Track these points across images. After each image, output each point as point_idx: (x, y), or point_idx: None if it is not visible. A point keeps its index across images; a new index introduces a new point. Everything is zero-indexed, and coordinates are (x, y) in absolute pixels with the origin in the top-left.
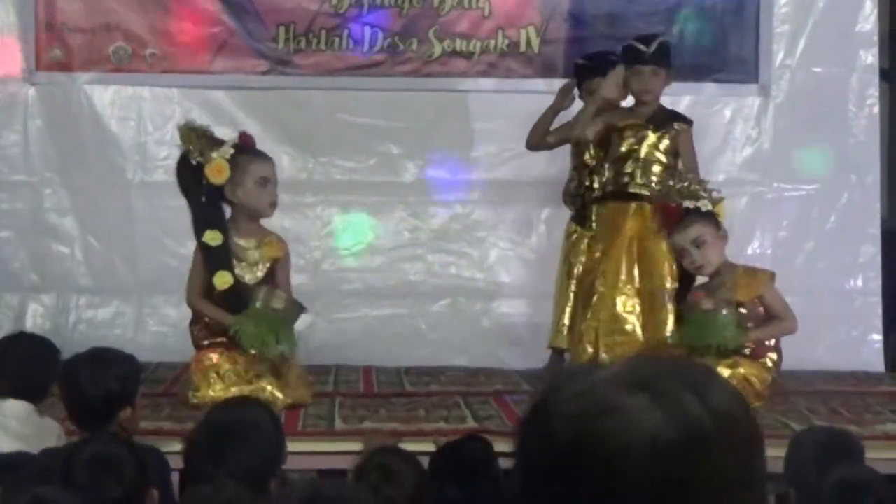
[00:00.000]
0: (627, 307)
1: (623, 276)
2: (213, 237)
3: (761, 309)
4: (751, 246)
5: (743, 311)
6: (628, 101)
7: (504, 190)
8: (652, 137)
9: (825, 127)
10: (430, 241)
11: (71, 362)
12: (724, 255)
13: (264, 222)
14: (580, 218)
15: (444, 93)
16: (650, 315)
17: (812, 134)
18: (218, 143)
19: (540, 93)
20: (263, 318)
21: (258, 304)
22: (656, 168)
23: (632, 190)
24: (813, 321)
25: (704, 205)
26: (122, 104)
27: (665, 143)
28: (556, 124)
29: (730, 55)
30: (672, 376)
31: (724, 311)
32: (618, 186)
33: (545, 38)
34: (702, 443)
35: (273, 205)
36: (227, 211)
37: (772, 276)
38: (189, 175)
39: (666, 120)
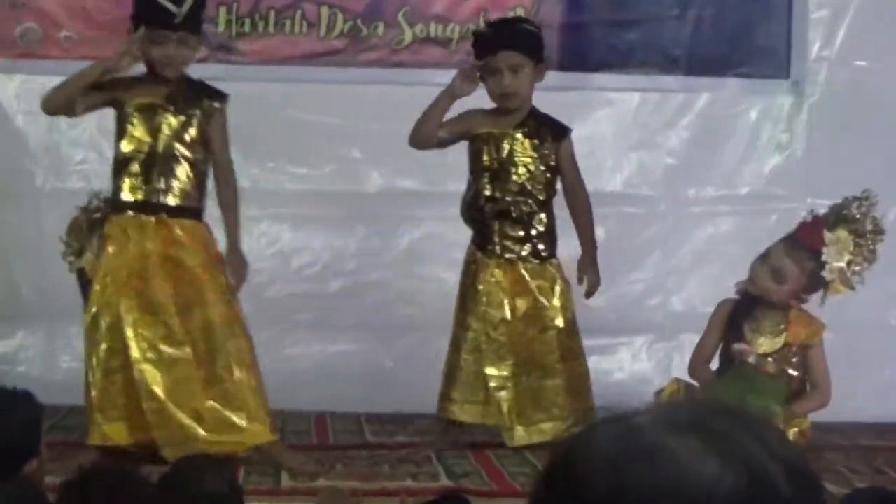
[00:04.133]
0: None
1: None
2: None
3: (795, 359)
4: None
5: (789, 355)
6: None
7: None
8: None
9: (869, 131)
10: (399, 263)
11: None
12: (783, 303)
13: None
14: (481, 240)
15: (416, 87)
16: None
17: (853, 139)
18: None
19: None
20: None
21: None
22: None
23: None
24: (852, 362)
25: (832, 273)
26: (31, 97)
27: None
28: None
29: (756, 45)
30: (724, 418)
31: (782, 380)
32: None
33: (536, 22)
34: (770, 492)
35: None
36: None
37: (823, 327)
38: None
39: None
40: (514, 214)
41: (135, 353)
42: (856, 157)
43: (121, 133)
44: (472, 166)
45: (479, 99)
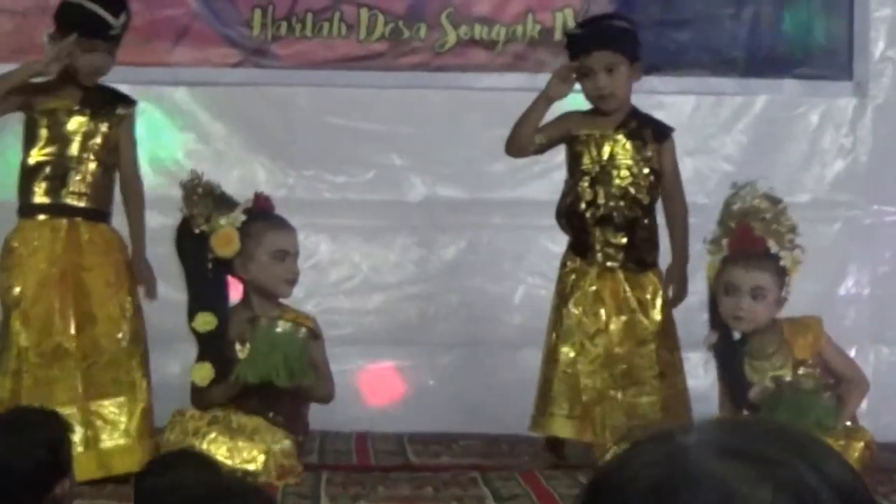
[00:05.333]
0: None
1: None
2: (204, 322)
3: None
4: (843, 284)
5: (808, 370)
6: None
7: (533, 212)
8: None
9: None
10: (441, 275)
11: None
12: (771, 319)
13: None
14: (580, 246)
15: (460, 91)
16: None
17: None
18: (228, 205)
19: (578, 91)
20: (269, 340)
21: (262, 327)
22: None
23: None
24: None
25: (786, 258)
26: None
27: None
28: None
29: (816, 45)
30: (775, 441)
31: (827, 395)
32: None
33: None
34: None
35: (290, 282)
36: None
37: (820, 322)
38: (190, 245)
39: None
40: (616, 220)
41: (24, 363)
42: None
43: (31, 138)
44: (571, 170)
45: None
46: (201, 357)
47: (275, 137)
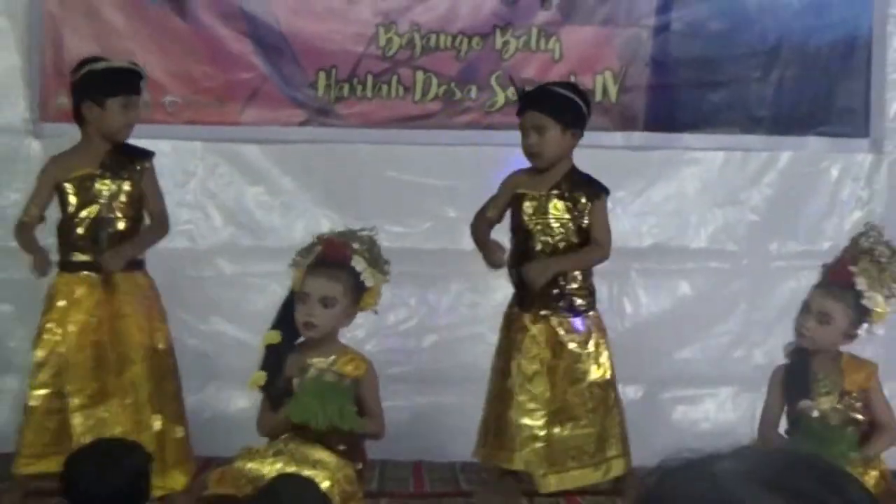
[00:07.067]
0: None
1: None
2: (270, 337)
3: (858, 404)
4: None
5: (850, 401)
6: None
7: None
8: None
9: None
10: (492, 317)
11: (72, 458)
12: (836, 345)
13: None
14: (518, 295)
15: (509, 147)
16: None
17: None
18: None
19: (618, 147)
20: (313, 388)
21: (310, 374)
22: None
23: None
24: None
25: (871, 299)
26: None
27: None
28: None
29: (836, 105)
30: (805, 471)
31: (850, 430)
32: None
33: (624, 85)
34: None
35: (305, 325)
36: None
37: (876, 367)
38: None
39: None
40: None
41: (73, 402)
42: None
43: (63, 203)
44: (511, 224)
45: None
46: (261, 366)
47: (338, 190)
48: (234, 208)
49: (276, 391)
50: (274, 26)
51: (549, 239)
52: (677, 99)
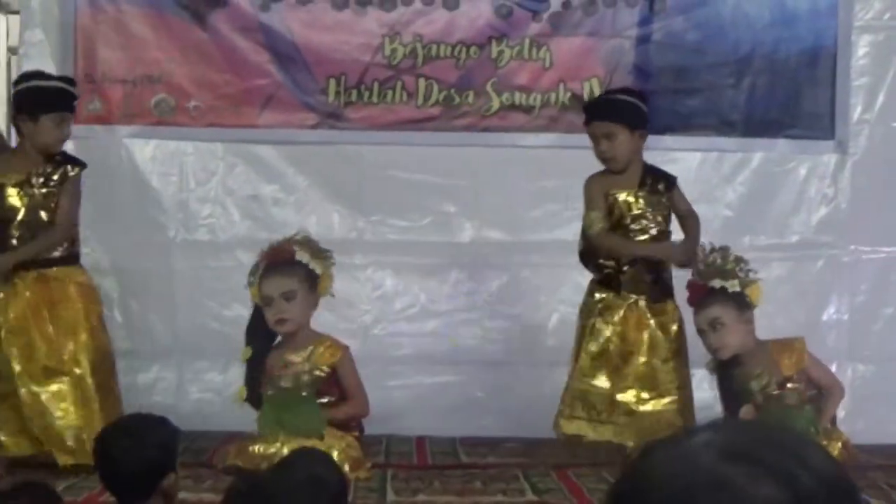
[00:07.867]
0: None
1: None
2: (244, 353)
3: (802, 383)
4: (826, 312)
5: (795, 385)
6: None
7: (566, 251)
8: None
9: None
10: (488, 304)
11: (105, 433)
12: (747, 339)
13: (319, 326)
14: (610, 282)
15: (503, 148)
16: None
17: (892, 193)
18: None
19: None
20: (274, 403)
21: (269, 393)
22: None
23: None
24: (892, 392)
25: (732, 285)
26: (164, 159)
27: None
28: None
29: (804, 110)
30: (770, 443)
31: (807, 408)
32: None
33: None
34: None
35: (279, 323)
36: None
37: (803, 341)
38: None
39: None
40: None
41: (20, 382)
42: (894, 208)
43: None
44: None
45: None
46: (244, 381)
47: (347, 188)
48: (251, 204)
49: (258, 399)
50: (288, 37)
51: (643, 230)
52: (657, 104)
